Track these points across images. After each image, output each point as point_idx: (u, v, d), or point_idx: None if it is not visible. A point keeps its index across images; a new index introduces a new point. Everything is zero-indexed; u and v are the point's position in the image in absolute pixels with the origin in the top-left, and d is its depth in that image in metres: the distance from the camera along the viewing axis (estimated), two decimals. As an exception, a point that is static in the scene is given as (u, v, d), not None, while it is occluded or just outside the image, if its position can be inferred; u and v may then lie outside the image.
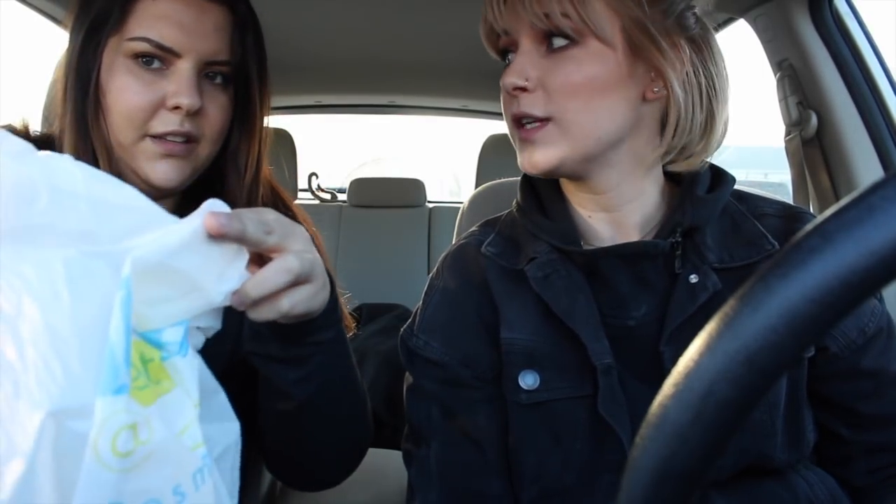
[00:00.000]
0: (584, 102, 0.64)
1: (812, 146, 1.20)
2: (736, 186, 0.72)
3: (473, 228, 0.79)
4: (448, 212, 2.69)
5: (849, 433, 0.68)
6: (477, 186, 1.44)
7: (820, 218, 0.24)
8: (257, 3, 0.77)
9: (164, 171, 0.72)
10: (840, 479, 0.69)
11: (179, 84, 0.69)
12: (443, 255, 0.78)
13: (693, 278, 0.65)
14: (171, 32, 0.69)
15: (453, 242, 0.81)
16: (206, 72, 0.72)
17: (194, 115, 0.71)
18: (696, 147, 0.69)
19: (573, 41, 0.63)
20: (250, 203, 0.79)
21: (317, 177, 2.87)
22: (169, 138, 0.71)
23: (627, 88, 0.65)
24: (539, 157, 0.66)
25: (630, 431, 0.62)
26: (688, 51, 0.65)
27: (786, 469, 0.66)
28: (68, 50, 0.73)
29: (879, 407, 0.67)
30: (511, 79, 0.65)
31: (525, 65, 0.65)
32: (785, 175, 1.30)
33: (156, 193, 0.76)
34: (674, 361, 0.27)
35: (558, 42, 0.64)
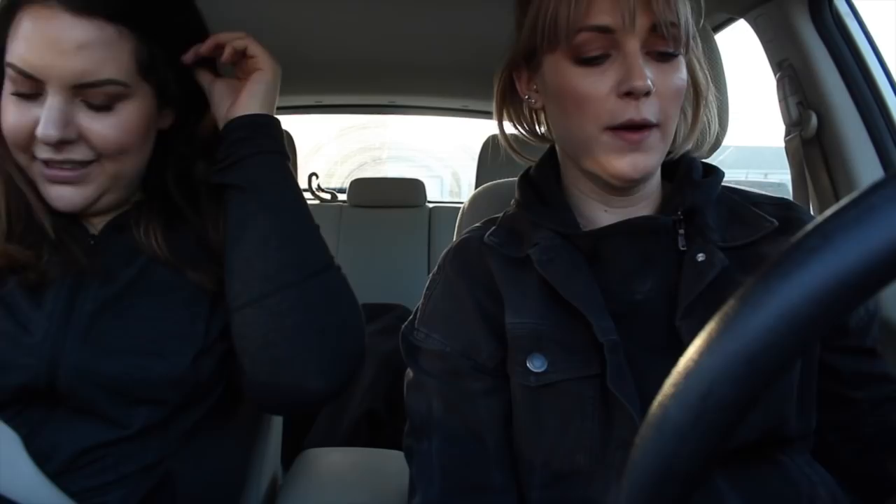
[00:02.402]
0: (679, 109, 0.67)
1: (812, 146, 1.20)
2: (735, 186, 0.76)
3: (476, 225, 0.81)
4: (448, 212, 2.69)
5: (855, 392, 0.72)
6: (477, 186, 1.44)
7: (820, 218, 0.24)
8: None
9: (59, 197, 0.70)
10: (850, 436, 0.73)
11: (44, 114, 0.65)
12: (445, 251, 0.79)
13: (700, 257, 0.67)
14: (32, 56, 0.64)
15: (454, 240, 0.82)
16: (82, 96, 0.67)
17: (76, 143, 0.67)
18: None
19: (675, 52, 0.65)
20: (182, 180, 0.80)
21: (317, 177, 2.87)
22: (53, 165, 0.68)
23: None
24: (646, 163, 0.66)
25: (639, 406, 0.63)
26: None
27: (797, 440, 0.68)
28: None
29: (873, 368, 0.72)
30: (646, 82, 0.62)
31: (644, 69, 0.63)
32: (785, 175, 1.30)
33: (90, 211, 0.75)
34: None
35: (666, 49, 0.64)
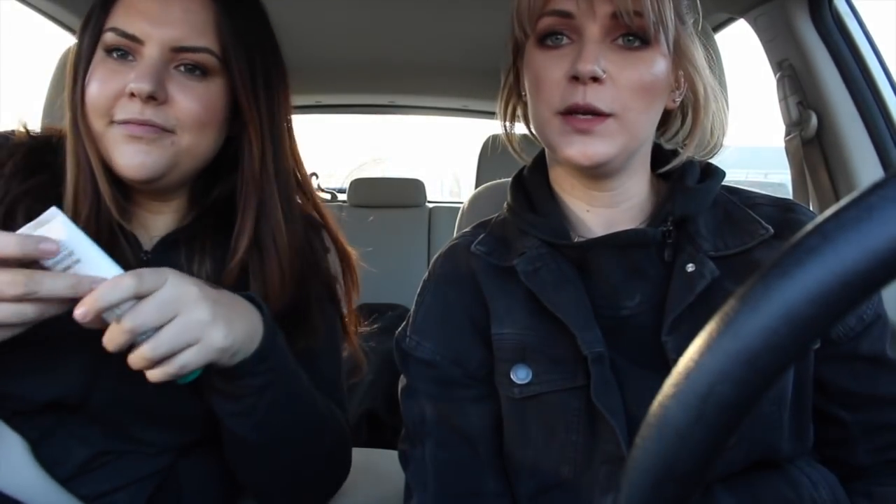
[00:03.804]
0: (646, 104, 0.65)
1: (812, 146, 1.20)
2: (735, 186, 0.74)
3: (466, 229, 0.80)
4: (448, 212, 2.69)
5: (846, 414, 0.69)
6: (477, 186, 1.44)
7: (820, 217, 0.24)
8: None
9: (131, 156, 0.69)
10: (844, 461, 0.69)
11: (137, 70, 0.68)
12: (436, 255, 0.78)
13: (689, 267, 0.65)
14: (135, 20, 0.69)
15: (445, 245, 0.82)
16: (177, 61, 0.71)
17: (161, 105, 0.69)
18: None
19: (644, 43, 0.64)
20: (264, 211, 0.77)
21: (317, 177, 2.87)
22: (134, 122, 0.69)
23: (666, 96, 0.68)
24: (598, 150, 0.64)
25: (624, 420, 0.62)
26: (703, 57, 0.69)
27: (791, 460, 0.66)
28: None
29: (874, 388, 0.68)
30: (591, 66, 0.61)
31: (598, 55, 0.62)
32: (785, 175, 1.30)
33: (141, 186, 0.74)
34: (676, 351, 0.27)
35: (632, 41, 0.64)
